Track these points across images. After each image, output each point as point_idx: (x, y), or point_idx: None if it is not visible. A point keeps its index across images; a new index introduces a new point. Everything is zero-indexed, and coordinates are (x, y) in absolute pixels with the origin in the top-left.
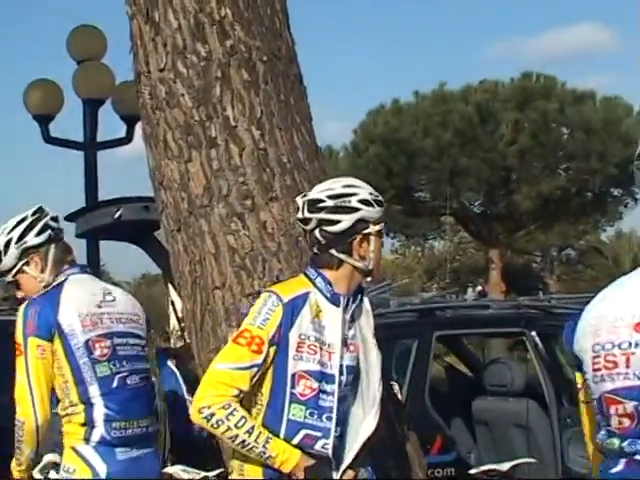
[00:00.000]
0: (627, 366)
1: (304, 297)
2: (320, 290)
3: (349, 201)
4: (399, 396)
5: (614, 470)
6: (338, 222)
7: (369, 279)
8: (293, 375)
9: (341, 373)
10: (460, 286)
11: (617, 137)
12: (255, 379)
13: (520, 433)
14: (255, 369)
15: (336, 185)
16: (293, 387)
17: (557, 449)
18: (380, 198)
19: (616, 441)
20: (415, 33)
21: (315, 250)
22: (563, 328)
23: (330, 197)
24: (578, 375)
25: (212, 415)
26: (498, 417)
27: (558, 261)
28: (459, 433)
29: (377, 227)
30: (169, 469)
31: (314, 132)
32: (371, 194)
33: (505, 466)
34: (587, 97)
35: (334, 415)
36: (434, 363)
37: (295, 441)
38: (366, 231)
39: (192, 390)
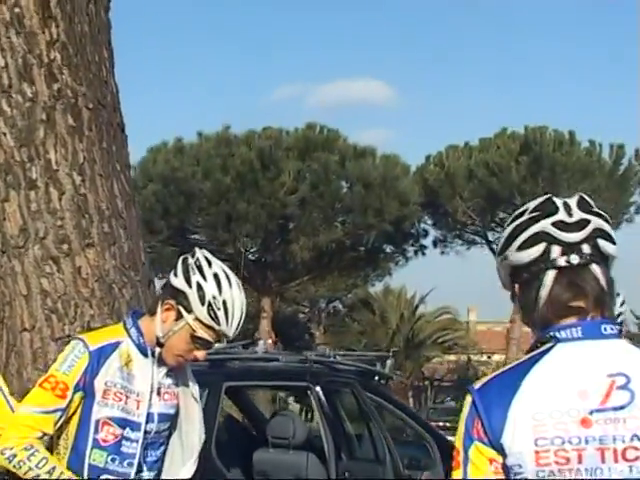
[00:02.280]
0: (579, 462)
1: (114, 346)
2: (133, 340)
3: (195, 274)
4: None
5: None
6: (175, 276)
7: (158, 350)
8: (97, 421)
9: (149, 421)
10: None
11: (394, 195)
12: (59, 423)
13: None
14: (59, 413)
15: (212, 266)
16: (96, 433)
17: None
18: (213, 314)
19: None
20: (203, 72)
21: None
22: (351, 384)
23: (196, 261)
24: (488, 451)
25: (14, 456)
26: (278, 469)
27: (326, 313)
28: None
29: (194, 324)
30: None
31: (132, 181)
32: (214, 297)
33: None
34: (368, 153)
35: (135, 461)
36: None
37: None
38: (181, 311)
39: None
